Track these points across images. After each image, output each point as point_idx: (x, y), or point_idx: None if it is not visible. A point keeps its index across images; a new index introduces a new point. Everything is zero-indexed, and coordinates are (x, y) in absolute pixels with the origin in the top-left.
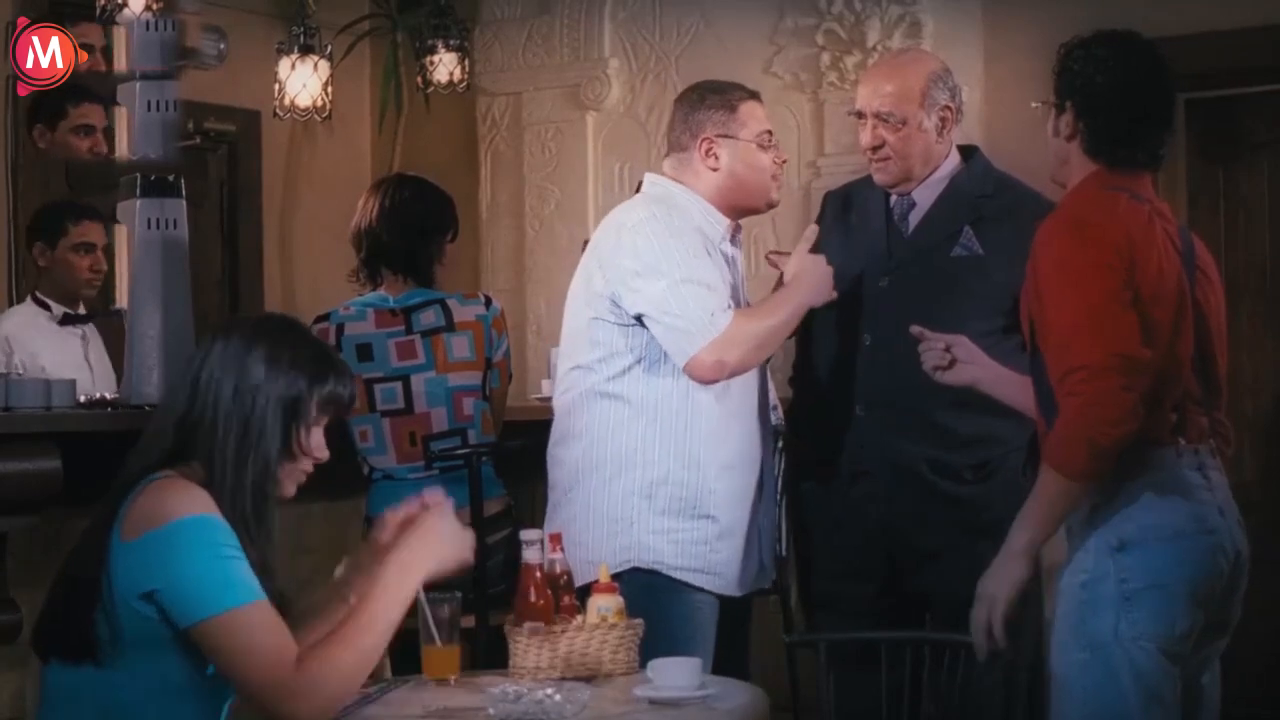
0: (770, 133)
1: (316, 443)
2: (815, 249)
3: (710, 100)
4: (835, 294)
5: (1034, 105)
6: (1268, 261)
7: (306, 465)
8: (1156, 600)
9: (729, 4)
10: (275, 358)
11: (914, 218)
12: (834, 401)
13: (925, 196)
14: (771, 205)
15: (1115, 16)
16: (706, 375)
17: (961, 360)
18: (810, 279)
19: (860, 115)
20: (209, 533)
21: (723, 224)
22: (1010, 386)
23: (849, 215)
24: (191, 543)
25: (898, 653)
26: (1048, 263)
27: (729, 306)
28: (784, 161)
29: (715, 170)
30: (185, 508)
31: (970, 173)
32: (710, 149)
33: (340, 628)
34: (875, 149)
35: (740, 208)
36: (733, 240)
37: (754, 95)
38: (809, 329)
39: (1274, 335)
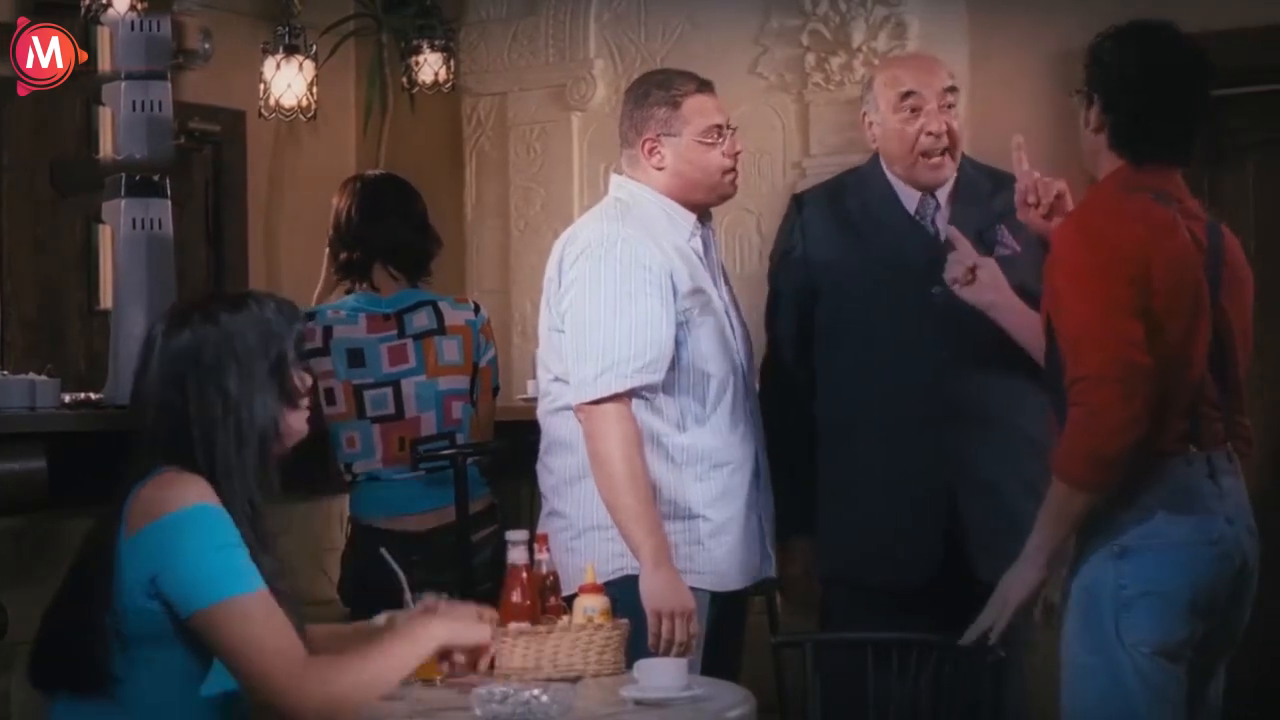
0: (720, 127)
1: (304, 378)
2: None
3: (654, 96)
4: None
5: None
6: (1252, 264)
7: (306, 399)
8: (1153, 607)
9: (714, 5)
10: (241, 333)
11: (940, 220)
12: (898, 417)
13: (940, 195)
14: (724, 198)
15: (1104, 16)
16: (583, 425)
17: (983, 281)
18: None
19: (908, 95)
20: (209, 521)
21: (689, 220)
22: (1023, 317)
23: (848, 215)
24: (193, 531)
25: (884, 654)
26: (1062, 268)
27: (629, 376)
28: (737, 154)
29: (661, 169)
30: (185, 498)
31: (964, 171)
32: (653, 148)
33: (359, 651)
34: (937, 137)
35: (688, 202)
36: (702, 226)
37: (704, 87)
38: (838, 345)
39: (1259, 337)
